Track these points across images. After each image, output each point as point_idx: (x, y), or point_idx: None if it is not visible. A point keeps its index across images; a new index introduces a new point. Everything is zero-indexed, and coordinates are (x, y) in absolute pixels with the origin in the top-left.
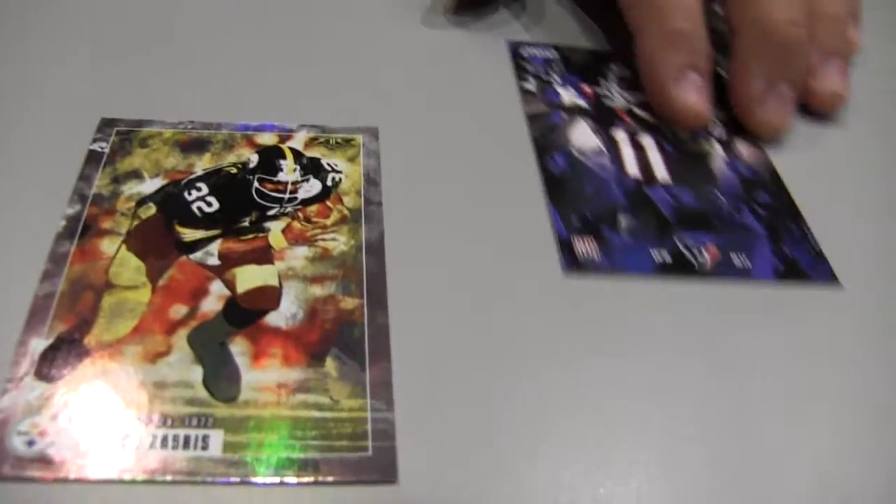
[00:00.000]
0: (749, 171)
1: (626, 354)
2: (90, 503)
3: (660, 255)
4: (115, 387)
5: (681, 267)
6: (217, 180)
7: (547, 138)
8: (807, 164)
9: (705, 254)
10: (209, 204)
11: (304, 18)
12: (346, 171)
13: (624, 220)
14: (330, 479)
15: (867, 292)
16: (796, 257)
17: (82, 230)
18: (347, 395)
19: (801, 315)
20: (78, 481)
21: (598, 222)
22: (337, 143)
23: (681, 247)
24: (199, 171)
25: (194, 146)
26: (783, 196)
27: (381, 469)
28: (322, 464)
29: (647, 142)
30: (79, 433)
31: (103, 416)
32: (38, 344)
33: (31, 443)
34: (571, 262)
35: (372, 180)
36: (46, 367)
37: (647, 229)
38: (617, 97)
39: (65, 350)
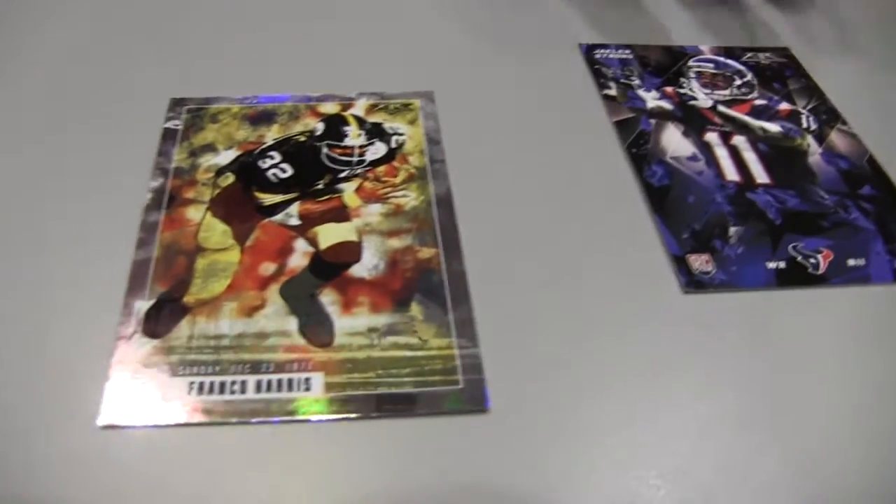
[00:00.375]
0: (847, 163)
1: (746, 364)
2: (210, 443)
3: (775, 264)
4: (217, 339)
5: (797, 275)
6: (288, 148)
7: (639, 147)
8: None
9: (819, 258)
10: (283, 170)
11: None
12: (409, 133)
13: (733, 231)
14: (425, 410)
15: None
16: None
17: (168, 201)
18: (434, 334)
19: None
20: (188, 425)
21: (708, 235)
22: (396, 108)
23: (794, 253)
24: (269, 141)
25: (262, 119)
26: (887, 186)
27: (473, 400)
28: (418, 397)
29: (740, 142)
30: (189, 383)
31: (212, 366)
32: (142, 305)
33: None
34: (689, 280)
35: (433, 140)
36: (151, 324)
37: (758, 238)
38: (701, 96)
39: (167, 309)
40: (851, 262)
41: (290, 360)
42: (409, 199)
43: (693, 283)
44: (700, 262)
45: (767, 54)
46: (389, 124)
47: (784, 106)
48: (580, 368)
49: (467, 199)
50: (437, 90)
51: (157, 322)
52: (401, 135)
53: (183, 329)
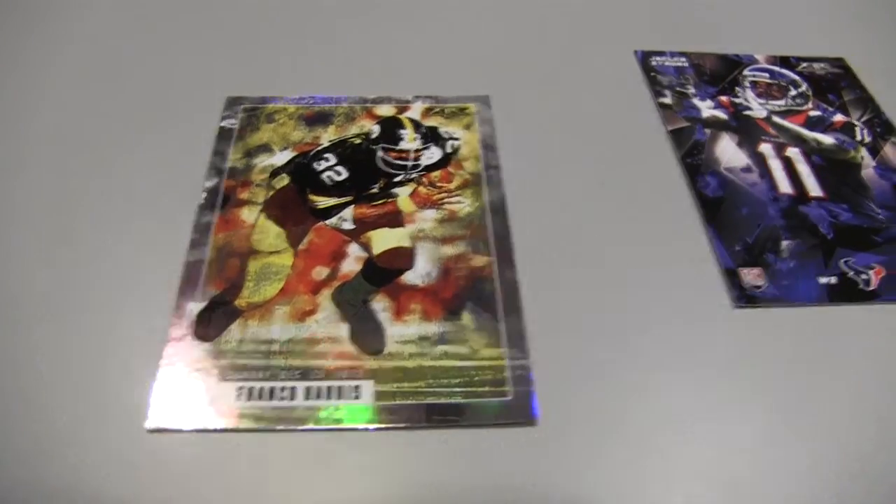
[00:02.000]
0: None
1: (796, 380)
2: (258, 450)
3: (826, 279)
4: (268, 344)
5: (848, 291)
6: (343, 151)
7: (694, 157)
8: None
9: (871, 274)
10: (338, 173)
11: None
12: (464, 138)
13: (785, 244)
14: (474, 421)
15: None
16: None
17: (223, 201)
18: (485, 344)
19: None
20: (236, 430)
21: (760, 248)
22: (452, 112)
23: (846, 269)
24: (325, 143)
25: (318, 119)
26: None
27: (521, 412)
28: (467, 408)
29: (794, 154)
30: (237, 388)
31: (262, 371)
32: (194, 307)
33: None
34: (741, 294)
35: (489, 146)
36: (203, 327)
37: (810, 252)
38: (756, 106)
39: (219, 312)
40: None
41: (340, 367)
42: (464, 205)
43: (744, 297)
44: (752, 276)
45: (823, 64)
46: (445, 129)
47: (839, 117)
48: (629, 381)
49: (522, 206)
50: (493, 95)
51: (209, 325)
52: (456, 139)
53: (234, 333)
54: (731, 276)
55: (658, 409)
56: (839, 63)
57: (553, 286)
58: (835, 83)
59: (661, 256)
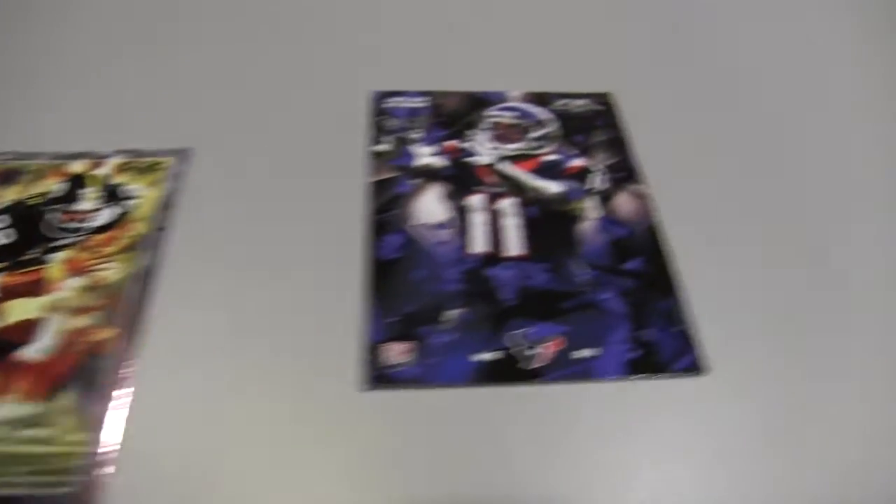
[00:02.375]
0: (625, 231)
1: (416, 472)
2: None
3: (482, 357)
4: None
5: (505, 370)
6: (18, 212)
7: (386, 213)
8: (696, 216)
9: (540, 349)
10: (7, 236)
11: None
12: (146, 195)
13: (452, 314)
14: None
15: (733, 378)
16: (657, 342)
17: None
18: (73, 429)
19: (652, 412)
20: None
21: (419, 320)
22: (144, 167)
23: (515, 342)
24: (6, 203)
25: (6, 178)
26: (660, 260)
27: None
28: (29, 501)
29: (507, 205)
30: None
31: None
32: None
33: None
34: (373, 375)
35: (169, 204)
36: None
37: (479, 323)
38: (484, 151)
39: None
40: (580, 353)
41: None
42: (113, 272)
43: (376, 378)
44: (396, 353)
45: (584, 101)
46: (129, 186)
47: (577, 162)
48: (231, 473)
49: (178, 271)
50: (199, 146)
51: None
52: (134, 198)
53: None
54: (373, 353)
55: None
56: (603, 99)
57: (174, 367)
58: (589, 122)
59: (304, 331)
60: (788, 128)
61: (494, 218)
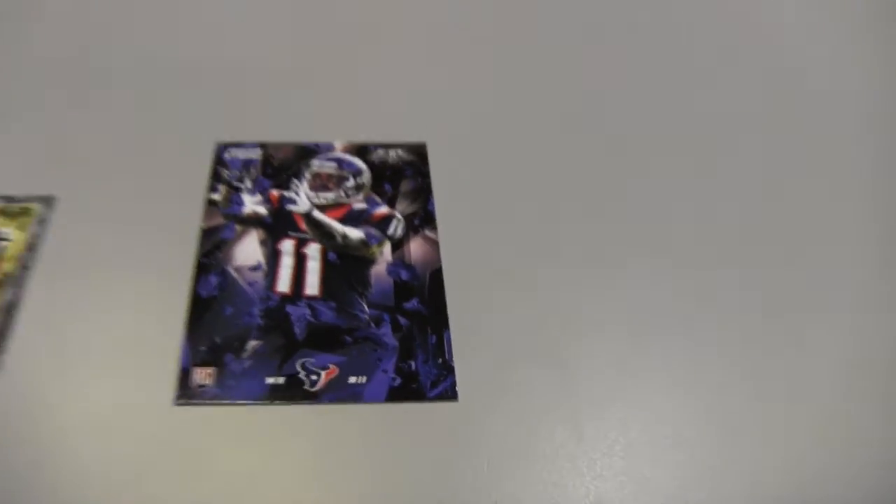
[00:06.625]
0: (409, 274)
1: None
2: None
3: (275, 380)
4: None
5: (292, 391)
6: None
7: (210, 256)
8: (476, 261)
9: (322, 375)
10: None
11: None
12: (15, 238)
13: (251, 345)
14: None
15: (482, 405)
16: (419, 371)
17: None
18: None
19: (411, 432)
20: None
21: (223, 349)
22: (16, 212)
23: (298, 369)
24: None
25: None
26: (435, 301)
27: None
28: None
29: (312, 250)
30: None
31: None
32: None
33: None
34: (184, 392)
35: (33, 246)
36: None
37: (272, 353)
38: (302, 200)
39: None
40: (353, 379)
41: None
42: None
43: (186, 395)
44: (202, 375)
45: (400, 151)
46: (2, 229)
47: (381, 210)
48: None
49: (47, 303)
50: (63, 195)
51: None
52: (6, 240)
53: None
54: (184, 375)
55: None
56: (418, 149)
57: (33, 385)
58: (399, 172)
59: (136, 354)
60: (583, 182)
61: (300, 261)
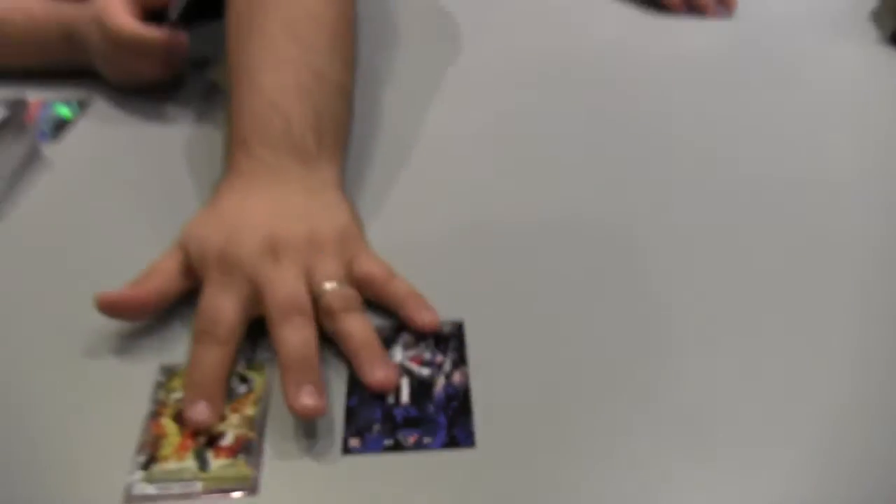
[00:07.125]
0: (452, 390)
1: None
2: None
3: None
4: None
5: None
6: None
7: None
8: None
9: (410, 439)
10: None
11: None
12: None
13: None
14: None
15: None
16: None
17: None
18: None
19: None
20: None
21: None
22: None
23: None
24: None
25: None
26: (460, 397)
27: None
28: None
29: None
30: None
31: None
32: None
33: None
34: None
35: None
36: None
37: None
38: None
39: None
40: (426, 440)
41: None
42: None
43: None
44: None
45: None
46: None
47: None
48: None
49: None
50: None
51: None
52: None
53: None
54: None
55: None
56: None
57: None
58: None
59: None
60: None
61: None
